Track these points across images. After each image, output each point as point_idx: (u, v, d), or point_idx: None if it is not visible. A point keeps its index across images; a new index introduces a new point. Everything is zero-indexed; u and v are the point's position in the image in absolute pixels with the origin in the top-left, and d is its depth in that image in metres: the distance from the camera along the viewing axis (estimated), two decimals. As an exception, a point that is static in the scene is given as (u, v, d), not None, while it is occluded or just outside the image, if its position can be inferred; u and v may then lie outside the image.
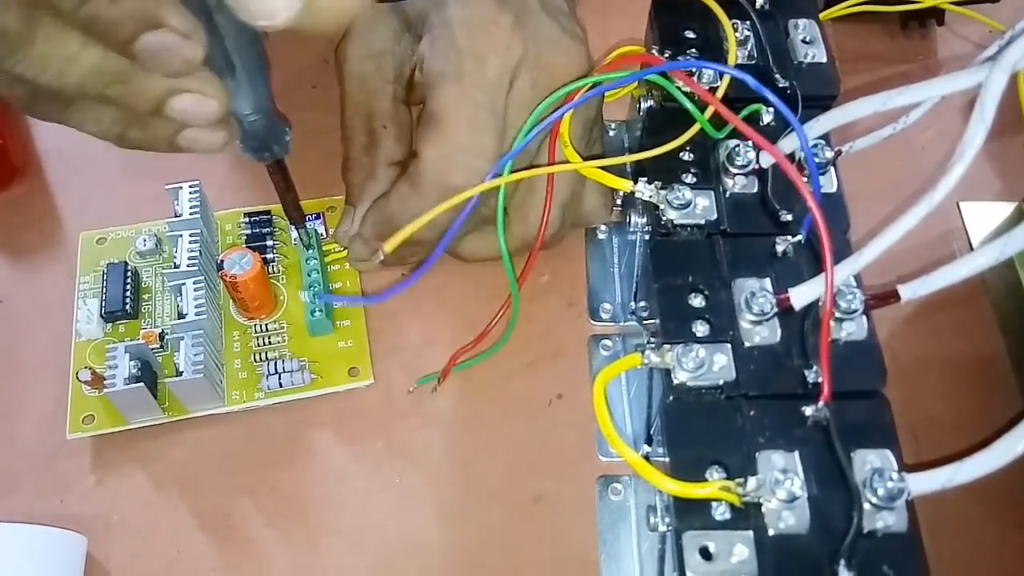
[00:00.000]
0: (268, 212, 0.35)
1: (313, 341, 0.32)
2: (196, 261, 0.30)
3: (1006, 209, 0.34)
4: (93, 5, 0.21)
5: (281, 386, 0.31)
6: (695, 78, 0.28)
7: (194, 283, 0.30)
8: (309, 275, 0.32)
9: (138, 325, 0.32)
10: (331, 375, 0.31)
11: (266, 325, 0.32)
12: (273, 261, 0.34)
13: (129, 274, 0.32)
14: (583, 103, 0.29)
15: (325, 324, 0.31)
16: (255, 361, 0.31)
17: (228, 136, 0.24)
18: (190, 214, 0.31)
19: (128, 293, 0.32)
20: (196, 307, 0.29)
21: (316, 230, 0.33)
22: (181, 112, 0.23)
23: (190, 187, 0.32)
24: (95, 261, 0.33)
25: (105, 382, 0.28)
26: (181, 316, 0.29)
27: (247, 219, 0.35)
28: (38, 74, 0.21)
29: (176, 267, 0.30)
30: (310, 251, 0.32)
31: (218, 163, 0.37)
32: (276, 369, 0.31)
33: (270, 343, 0.32)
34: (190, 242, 0.31)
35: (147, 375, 0.29)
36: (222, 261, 0.30)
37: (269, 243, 0.34)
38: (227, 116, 0.24)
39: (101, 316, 0.32)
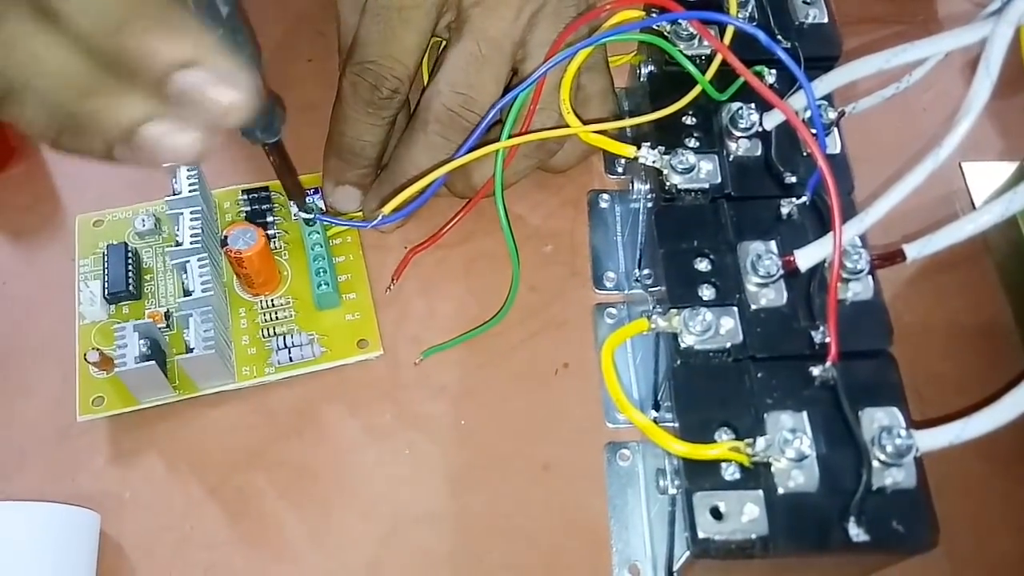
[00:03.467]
0: (267, 188, 0.34)
1: (320, 315, 0.32)
2: (199, 238, 0.30)
3: (1008, 168, 0.34)
4: (124, 36, 0.18)
5: (291, 360, 0.31)
6: (695, 41, 0.28)
7: (198, 260, 0.30)
8: (312, 248, 0.32)
9: (142, 305, 0.32)
10: (340, 348, 0.31)
11: (272, 301, 0.32)
12: (275, 237, 0.34)
13: (130, 255, 0.32)
14: (589, 46, 0.28)
15: (332, 297, 0.31)
16: (263, 337, 0.31)
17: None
18: (189, 191, 0.31)
19: (130, 274, 0.32)
20: (203, 283, 0.29)
21: (317, 204, 0.33)
22: (151, 142, 0.19)
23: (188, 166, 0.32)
24: (93, 244, 0.33)
25: (115, 361, 0.28)
26: (187, 293, 0.29)
27: (245, 196, 0.34)
28: None
29: (179, 245, 0.30)
30: (313, 226, 0.32)
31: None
32: (285, 344, 0.31)
33: (277, 318, 0.32)
34: (191, 219, 0.31)
35: (156, 353, 0.29)
36: (226, 237, 0.30)
37: (270, 219, 0.34)
38: (207, 153, 0.20)
39: (104, 298, 0.31)
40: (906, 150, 0.33)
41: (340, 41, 0.34)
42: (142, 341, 0.28)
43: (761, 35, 0.22)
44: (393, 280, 0.32)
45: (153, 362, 0.28)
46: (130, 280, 0.32)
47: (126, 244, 0.32)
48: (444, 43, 0.32)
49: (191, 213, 0.31)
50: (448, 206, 0.33)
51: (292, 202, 0.31)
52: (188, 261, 0.30)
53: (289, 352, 0.31)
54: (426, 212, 0.32)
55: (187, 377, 0.30)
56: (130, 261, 0.32)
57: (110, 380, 0.30)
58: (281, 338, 0.31)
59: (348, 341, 0.31)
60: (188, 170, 0.32)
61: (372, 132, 0.32)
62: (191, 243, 0.30)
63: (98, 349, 0.29)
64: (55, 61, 0.18)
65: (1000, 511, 0.29)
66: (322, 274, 0.31)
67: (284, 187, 0.30)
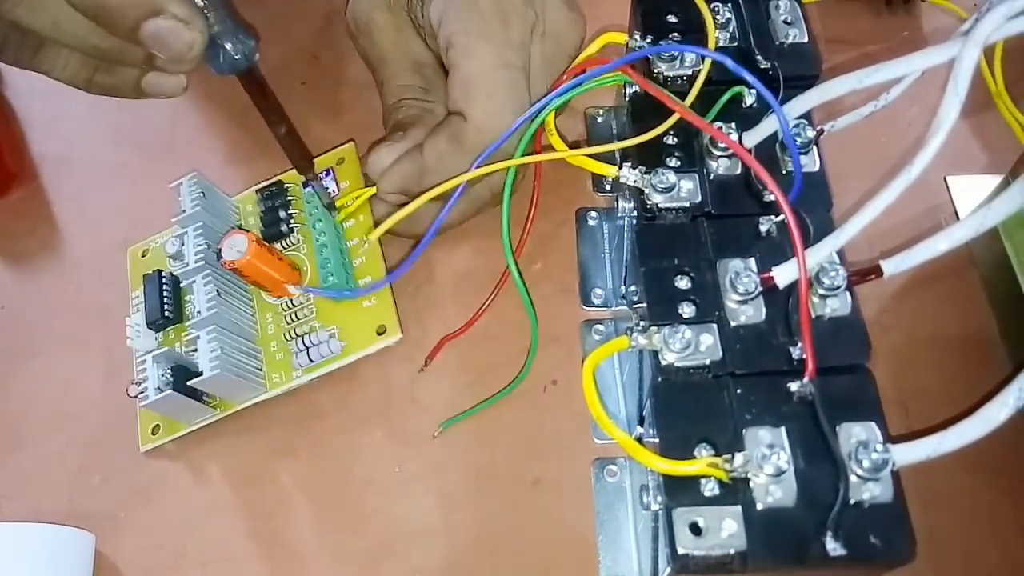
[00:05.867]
0: (280, 183, 0.34)
1: (338, 306, 0.32)
2: (203, 255, 0.30)
3: (993, 182, 0.34)
4: None
5: (311, 361, 0.30)
6: (677, 62, 0.29)
7: (203, 278, 0.30)
8: (317, 239, 0.31)
9: (183, 328, 0.32)
10: (359, 338, 0.31)
11: (292, 301, 0.32)
12: (291, 232, 0.33)
13: (164, 280, 0.32)
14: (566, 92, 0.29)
15: (340, 288, 0.31)
16: (287, 339, 0.31)
17: (187, 81, 0.26)
18: (192, 208, 0.31)
19: (166, 299, 0.31)
20: (208, 302, 0.29)
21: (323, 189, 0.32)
22: (154, 36, 0.24)
23: (189, 180, 0.32)
24: (141, 274, 0.33)
25: (139, 396, 0.28)
26: (199, 313, 0.29)
27: (260, 195, 0.34)
28: (33, 20, 0.24)
29: (186, 265, 0.30)
30: (320, 223, 0.32)
31: (220, 147, 0.37)
32: (304, 344, 0.31)
33: (298, 318, 0.32)
34: (195, 237, 0.31)
35: (181, 379, 0.29)
36: (220, 250, 0.30)
37: (282, 215, 0.33)
38: (201, 53, 0.25)
39: (148, 327, 0.31)
40: (892, 165, 0.34)
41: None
42: (162, 370, 0.28)
43: (728, 61, 0.23)
44: (426, 362, 0.32)
45: (171, 390, 0.28)
46: (166, 306, 0.31)
47: (159, 271, 0.32)
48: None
49: (194, 230, 0.31)
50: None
51: (293, 164, 0.30)
52: (195, 280, 0.30)
53: (308, 353, 0.30)
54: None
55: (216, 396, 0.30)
56: (165, 287, 0.32)
57: None
58: (301, 339, 0.31)
59: (367, 329, 0.31)
60: (189, 186, 0.32)
61: None
62: (195, 261, 0.30)
63: (137, 382, 0.30)
64: (66, 18, 0.24)
65: (987, 523, 0.29)
66: (327, 266, 0.31)
67: (273, 131, 0.29)
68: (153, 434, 0.30)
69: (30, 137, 0.38)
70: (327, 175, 0.34)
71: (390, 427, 0.31)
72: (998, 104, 0.37)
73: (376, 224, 0.32)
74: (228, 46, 0.25)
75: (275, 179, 0.34)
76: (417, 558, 0.29)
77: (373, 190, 0.32)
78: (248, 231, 0.30)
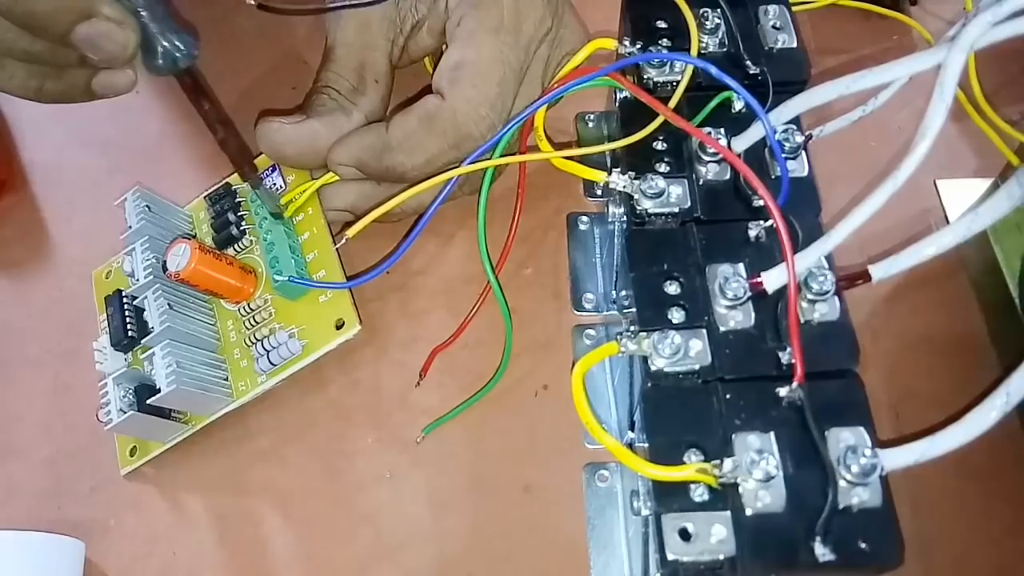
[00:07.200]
0: (227, 185, 0.33)
1: (295, 305, 0.31)
2: (151, 269, 0.30)
3: (983, 185, 0.35)
4: (29, 2, 0.23)
5: (273, 364, 0.30)
6: (666, 67, 0.29)
7: (153, 293, 0.29)
8: (265, 237, 0.31)
9: (147, 347, 0.31)
10: (319, 335, 0.30)
11: (249, 305, 0.31)
12: (244, 235, 0.32)
13: (126, 300, 0.31)
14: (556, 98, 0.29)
15: (290, 287, 0.30)
16: (248, 344, 0.31)
17: (136, 76, 0.26)
18: (137, 223, 0.31)
19: (129, 319, 0.31)
20: (160, 317, 0.29)
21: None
22: (86, 39, 0.23)
23: (132, 194, 0.31)
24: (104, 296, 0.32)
25: (103, 420, 0.28)
26: (153, 329, 0.29)
27: (208, 201, 0.34)
28: None
29: (136, 281, 0.30)
30: (266, 220, 0.31)
31: (210, 155, 0.37)
32: (264, 348, 0.30)
33: (257, 322, 0.31)
34: (142, 252, 0.30)
35: (144, 398, 0.28)
36: (165, 262, 0.29)
37: (232, 218, 0.32)
38: (135, 52, 0.24)
39: (114, 349, 0.31)
40: (881, 169, 0.34)
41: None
42: (123, 391, 0.28)
43: (712, 68, 0.23)
44: (421, 376, 0.32)
45: (134, 411, 0.28)
46: (129, 326, 0.30)
47: (119, 291, 0.31)
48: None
49: (141, 245, 0.30)
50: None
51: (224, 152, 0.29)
52: (146, 296, 0.29)
53: (268, 356, 0.30)
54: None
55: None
56: (127, 307, 0.31)
57: None
58: (260, 343, 0.30)
59: (326, 325, 0.30)
60: (134, 200, 0.31)
61: None
62: (145, 277, 0.30)
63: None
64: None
65: (976, 527, 0.29)
66: (276, 265, 0.30)
67: (213, 135, 0.27)
68: (131, 455, 0.30)
69: (20, 144, 0.38)
70: (273, 171, 0.33)
71: (381, 434, 0.31)
72: (970, 113, 0.37)
73: (326, 216, 0.32)
74: (165, 45, 0.24)
75: (223, 182, 0.34)
76: (408, 564, 0.29)
77: (319, 183, 0.32)
78: (193, 238, 0.29)
